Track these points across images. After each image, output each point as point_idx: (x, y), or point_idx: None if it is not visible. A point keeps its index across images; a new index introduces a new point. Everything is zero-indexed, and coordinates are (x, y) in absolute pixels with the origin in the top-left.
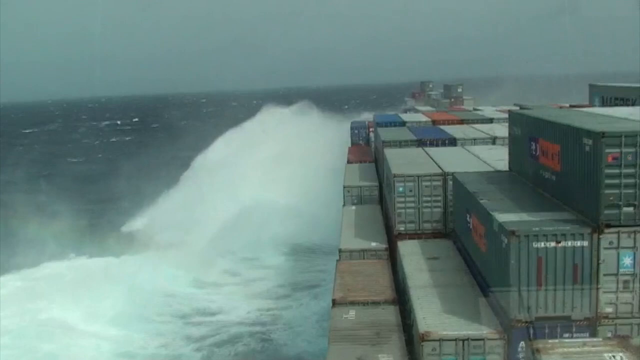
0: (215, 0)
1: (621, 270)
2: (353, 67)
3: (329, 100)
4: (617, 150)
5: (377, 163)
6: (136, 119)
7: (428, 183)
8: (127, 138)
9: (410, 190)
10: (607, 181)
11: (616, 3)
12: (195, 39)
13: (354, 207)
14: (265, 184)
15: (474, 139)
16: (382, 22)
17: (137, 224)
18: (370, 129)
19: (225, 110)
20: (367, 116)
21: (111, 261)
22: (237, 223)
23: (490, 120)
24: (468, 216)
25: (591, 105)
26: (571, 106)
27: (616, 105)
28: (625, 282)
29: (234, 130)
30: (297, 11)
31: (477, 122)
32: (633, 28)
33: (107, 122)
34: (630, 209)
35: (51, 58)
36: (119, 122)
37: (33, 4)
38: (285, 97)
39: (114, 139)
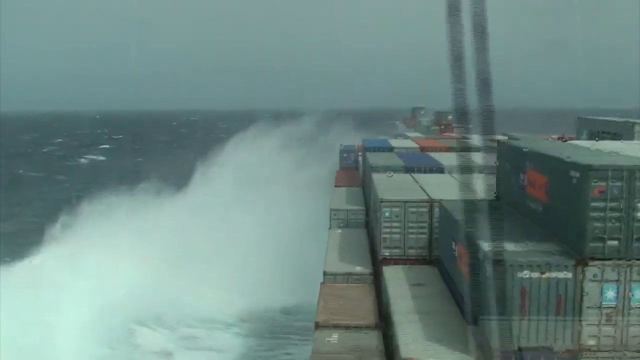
0: (210, 23)
1: (604, 303)
2: (346, 90)
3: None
4: (604, 184)
5: (365, 187)
6: (120, 136)
7: (414, 209)
8: (101, 158)
9: (397, 216)
10: (593, 214)
11: (608, 42)
12: (192, 59)
13: (339, 231)
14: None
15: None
16: (376, 48)
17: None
18: (359, 153)
19: (213, 132)
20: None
21: None
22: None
23: (479, 150)
24: (453, 244)
25: (578, 138)
26: (559, 138)
27: (603, 139)
28: (608, 315)
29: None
30: (290, 35)
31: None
32: (623, 66)
33: (85, 138)
34: (615, 242)
35: (51, 70)
36: (106, 131)
37: (36, 16)
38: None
39: (84, 159)
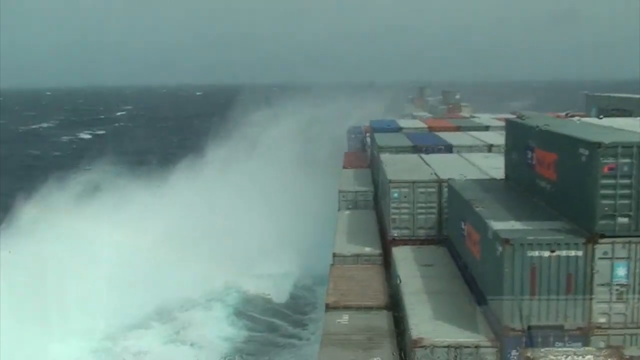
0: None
1: (615, 280)
2: (351, 63)
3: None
4: (613, 160)
5: (373, 168)
6: (123, 112)
7: (423, 189)
8: (100, 132)
9: (405, 196)
10: (603, 191)
11: (615, 12)
12: (196, 32)
13: (348, 212)
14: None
15: (470, 147)
16: (382, 20)
17: None
18: (367, 134)
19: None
20: None
21: None
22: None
23: (487, 128)
24: (463, 223)
25: (588, 115)
26: (566, 115)
27: (613, 115)
28: (619, 292)
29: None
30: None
31: (473, 130)
32: (630, 36)
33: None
34: (625, 219)
35: (59, 45)
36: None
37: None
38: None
39: (85, 135)
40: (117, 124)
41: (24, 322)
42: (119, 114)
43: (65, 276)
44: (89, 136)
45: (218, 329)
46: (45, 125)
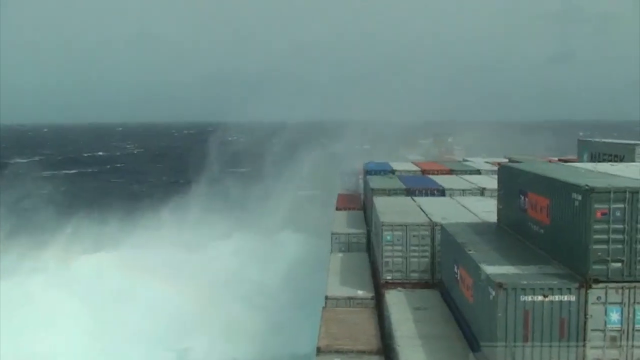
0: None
1: (608, 325)
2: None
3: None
4: (606, 206)
5: (366, 210)
6: (107, 152)
7: (416, 233)
8: (84, 170)
9: (398, 239)
10: (596, 236)
11: (611, 52)
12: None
13: (341, 255)
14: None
15: (463, 190)
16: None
17: None
18: (360, 176)
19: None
20: None
21: None
22: None
23: (479, 172)
24: (456, 267)
25: (579, 160)
26: (560, 161)
27: (604, 161)
28: (613, 337)
29: None
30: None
31: (466, 173)
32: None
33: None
34: (618, 264)
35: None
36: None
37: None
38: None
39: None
40: (97, 164)
41: None
42: (100, 153)
43: (51, 316)
44: (73, 171)
45: None
46: (21, 161)
